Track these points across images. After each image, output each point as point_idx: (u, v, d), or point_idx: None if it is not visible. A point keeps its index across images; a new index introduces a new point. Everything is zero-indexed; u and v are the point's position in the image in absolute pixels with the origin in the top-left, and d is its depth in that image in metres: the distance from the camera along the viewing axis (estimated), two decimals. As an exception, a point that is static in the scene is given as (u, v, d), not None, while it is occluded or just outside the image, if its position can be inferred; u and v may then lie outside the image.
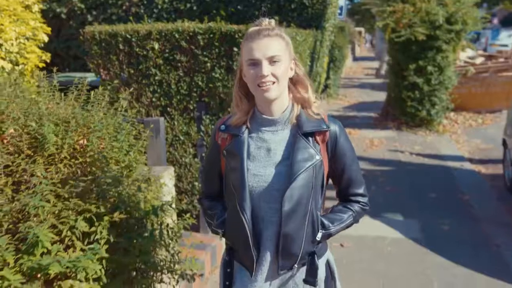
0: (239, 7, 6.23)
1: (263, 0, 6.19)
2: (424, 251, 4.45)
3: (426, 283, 3.87)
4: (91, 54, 4.26)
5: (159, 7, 6.47)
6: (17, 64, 4.85)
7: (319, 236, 1.88)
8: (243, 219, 1.81)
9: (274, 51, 1.73)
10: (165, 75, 4.14)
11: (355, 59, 29.95)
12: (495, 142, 8.28)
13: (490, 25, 33.05)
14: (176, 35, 4.04)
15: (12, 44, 4.79)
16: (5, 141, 2.49)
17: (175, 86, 4.13)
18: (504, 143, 6.50)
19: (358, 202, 1.97)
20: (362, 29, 42.78)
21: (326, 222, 1.90)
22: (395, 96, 9.64)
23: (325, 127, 1.84)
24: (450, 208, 5.50)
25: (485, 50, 23.69)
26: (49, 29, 5.25)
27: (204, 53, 4.03)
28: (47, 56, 4.97)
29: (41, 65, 4.95)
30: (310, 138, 1.84)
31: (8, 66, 4.68)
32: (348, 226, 1.96)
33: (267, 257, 1.87)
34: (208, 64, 4.03)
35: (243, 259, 1.91)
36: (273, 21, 1.83)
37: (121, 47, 4.16)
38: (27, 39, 5.00)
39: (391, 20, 8.91)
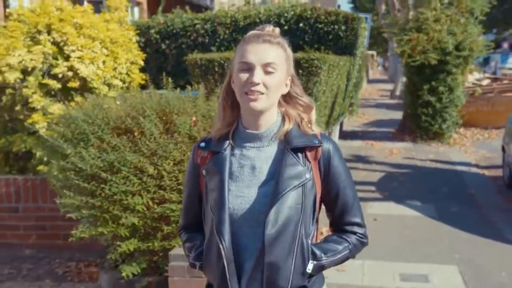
0: (286, 37, 7.88)
1: (306, 32, 7.83)
2: (438, 223, 5.98)
3: (440, 241, 5.41)
4: (193, 74, 5.90)
5: (221, 37, 8.13)
6: (124, 82, 6.50)
7: (309, 267, 1.65)
8: (220, 245, 1.60)
9: (271, 58, 1.58)
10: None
11: (369, 81, 31.61)
12: (498, 152, 9.77)
13: (500, 49, 34.76)
14: (257, 61, 5.69)
15: (122, 67, 6.46)
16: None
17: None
18: (503, 149, 8.05)
19: (354, 233, 1.74)
20: (374, 53, 44.57)
21: (318, 252, 1.68)
22: (411, 113, 11.25)
23: (316, 142, 1.67)
24: (459, 198, 7.03)
25: (494, 73, 25.24)
26: (144, 55, 6.95)
27: (278, 74, 5.67)
28: (145, 77, 6.64)
29: (143, 82, 6.61)
30: (300, 155, 1.66)
31: (120, 84, 6.34)
32: (343, 260, 1.73)
33: None
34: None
35: None
36: (277, 30, 1.71)
37: (216, 69, 5.80)
38: (131, 63, 6.68)
39: (407, 47, 10.55)
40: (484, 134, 11.96)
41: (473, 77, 12.95)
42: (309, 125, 1.70)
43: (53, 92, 5.87)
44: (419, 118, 10.99)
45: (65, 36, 5.98)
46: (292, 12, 7.81)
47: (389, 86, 26.18)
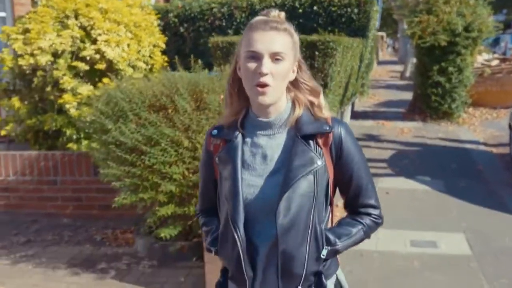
0: (300, 20, 8.18)
1: (320, 14, 8.12)
2: (446, 197, 6.33)
3: (448, 212, 5.76)
4: (215, 56, 6.23)
5: (238, 20, 8.45)
6: (148, 64, 6.86)
7: (324, 253, 1.67)
8: (235, 234, 1.63)
9: (279, 47, 1.56)
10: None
11: (379, 63, 31.73)
12: (506, 131, 10.04)
13: (510, 30, 34.70)
14: (275, 43, 6.02)
15: (145, 50, 6.81)
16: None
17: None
18: (510, 127, 8.35)
19: (369, 214, 1.75)
20: (384, 34, 44.57)
21: (331, 237, 1.69)
22: (421, 93, 11.54)
23: (327, 128, 1.66)
24: (467, 174, 7.37)
25: (504, 54, 25.34)
26: (165, 39, 7.29)
27: (295, 55, 6.01)
28: (167, 59, 6.98)
29: (165, 64, 6.96)
30: (311, 142, 1.65)
31: (143, 66, 6.69)
32: (357, 242, 1.76)
33: (266, 278, 1.67)
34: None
35: (237, 281, 1.71)
36: (282, 14, 1.66)
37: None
38: (154, 46, 7.03)
39: (418, 29, 10.80)
40: (492, 113, 12.24)
41: (482, 57, 13.19)
42: (320, 109, 1.68)
43: (81, 74, 6.24)
44: (429, 98, 11.28)
45: (92, 21, 6.33)
46: (306, -4, 8.10)
47: (399, 68, 26.36)
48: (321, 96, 1.70)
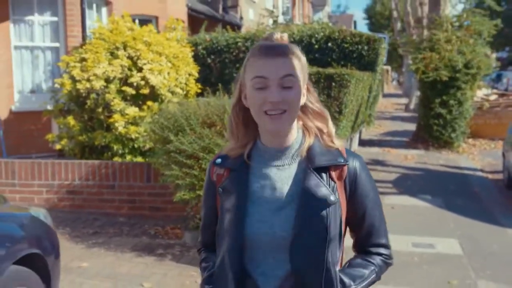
0: (316, 55, 9.30)
1: (333, 50, 9.24)
2: (445, 212, 7.30)
3: (445, 223, 6.74)
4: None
5: (260, 53, 9.57)
6: (184, 90, 7.93)
7: None
8: (228, 273, 1.53)
9: (289, 72, 1.47)
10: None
11: (384, 95, 32.94)
12: (502, 160, 11.11)
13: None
14: (298, 75, 7.12)
15: (182, 78, 7.91)
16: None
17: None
18: (503, 155, 9.38)
19: (380, 254, 1.66)
20: (389, 68, 45.98)
21: (346, 280, 1.58)
22: (424, 123, 12.61)
23: (342, 160, 1.56)
24: (464, 194, 8.35)
25: (506, 90, 26.48)
26: (198, 68, 8.40)
27: (314, 85, 7.07)
28: (200, 86, 8.06)
29: (198, 91, 8.05)
30: (324, 174, 1.55)
31: (180, 91, 7.77)
32: (370, 285, 1.64)
33: None
34: (316, 92, 7.07)
35: None
36: (285, 35, 1.58)
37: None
38: (189, 75, 8.12)
39: (421, 64, 11.94)
40: (490, 144, 13.26)
41: (481, 92, 14.33)
42: (330, 138, 1.59)
43: (128, 98, 7.32)
44: (431, 128, 12.35)
45: (138, 52, 7.46)
46: (322, 33, 9.24)
47: (403, 100, 27.54)
48: (330, 122, 1.62)
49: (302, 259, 1.50)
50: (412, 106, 21.40)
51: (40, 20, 8.61)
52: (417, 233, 6.27)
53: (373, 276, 1.64)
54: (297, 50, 1.55)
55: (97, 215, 6.10)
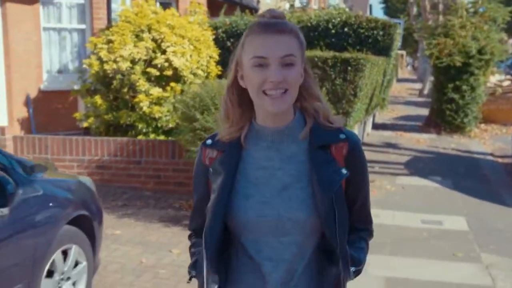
0: (333, 39, 9.59)
1: (349, 35, 9.52)
2: (453, 192, 7.64)
3: (453, 202, 7.08)
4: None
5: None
6: (205, 72, 8.29)
7: (351, 276, 1.57)
8: (204, 254, 1.51)
9: (289, 51, 1.43)
10: (306, 81, 7.54)
11: (398, 80, 33.04)
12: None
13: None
14: (315, 59, 7.45)
15: (204, 61, 8.25)
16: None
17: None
18: (513, 139, 9.68)
19: (367, 230, 1.70)
20: (404, 52, 45.89)
21: (356, 255, 1.58)
22: (437, 108, 12.89)
23: (343, 136, 1.54)
24: (473, 176, 8.68)
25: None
26: (218, 51, 8.73)
27: (331, 69, 7.42)
28: (221, 69, 8.41)
29: (219, 73, 8.40)
30: (327, 151, 1.52)
31: (202, 73, 8.13)
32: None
33: None
34: (333, 76, 7.42)
35: None
36: (283, 13, 1.51)
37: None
38: (210, 57, 8.47)
39: (435, 50, 12.18)
40: (502, 129, 13.52)
41: (494, 78, 14.54)
42: (326, 117, 1.55)
43: (152, 79, 7.69)
44: (444, 113, 12.63)
45: (162, 35, 7.81)
46: (338, 19, 9.53)
47: (418, 86, 27.68)
48: (323, 100, 1.59)
49: (337, 234, 1.47)
50: (426, 92, 21.59)
51: (68, 3, 8.99)
52: (426, 211, 6.62)
53: (366, 250, 1.67)
54: (296, 28, 1.50)
55: (125, 189, 6.52)
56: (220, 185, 1.50)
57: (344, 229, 1.52)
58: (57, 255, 3.27)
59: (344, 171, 1.51)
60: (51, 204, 3.22)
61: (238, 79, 1.51)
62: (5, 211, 2.71)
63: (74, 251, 3.44)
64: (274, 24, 1.46)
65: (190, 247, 1.72)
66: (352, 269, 1.57)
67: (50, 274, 3.24)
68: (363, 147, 1.64)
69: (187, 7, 9.57)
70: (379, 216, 6.09)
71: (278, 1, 15.94)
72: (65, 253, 3.38)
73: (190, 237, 1.76)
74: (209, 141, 1.59)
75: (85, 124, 7.98)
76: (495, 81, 14.64)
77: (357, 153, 1.57)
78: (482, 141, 12.28)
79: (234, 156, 1.53)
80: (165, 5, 9.49)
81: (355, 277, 1.61)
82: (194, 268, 1.64)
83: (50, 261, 3.20)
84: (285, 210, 1.48)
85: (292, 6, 14.06)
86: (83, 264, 3.56)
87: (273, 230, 1.49)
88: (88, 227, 3.58)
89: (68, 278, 3.43)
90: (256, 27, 1.46)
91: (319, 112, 1.56)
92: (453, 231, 5.91)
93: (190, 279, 1.68)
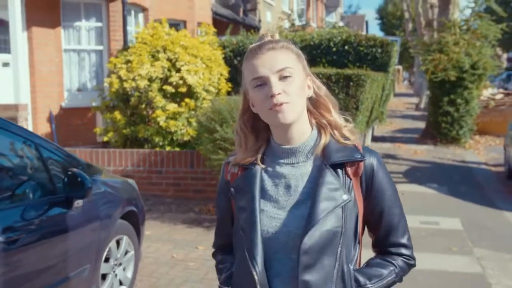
0: (334, 57, 10.32)
1: (350, 53, 10.25)
2: (449, 197, 8.30)
3: (449, 206, 7.74)
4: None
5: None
6: (216, 89, 8.97)
7: None
8: (253, 271, 1.50)
9: (283, 64, 1.49)
10: (311, 96, 8.23)
11: (395, 95, 33.87)
12: (506, 154, 12.09)
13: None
14: (320, 75, 8.14)
15: (215, 78, 8.95)
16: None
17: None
18: (504, 148, 10.37)
19: (400, 255, 1.63)
20: (400, 67, 46.83)
21: (361, 279, 1.56)
22: (433, 121, 13.62)
23: (358, 156, 1.55)
24: (467, 183, 9.35)
25: (515, 89, 27.29)
26: (228, 69, 9.44)
27: (334, 84, 8.12)
28: (231, 85, 9.10)
29: (229, 90, 9.09)
30: (340, 171, 1.55)
31: (213, 90, 8.81)
32: (389, 286, 1.61)
33: None
34: (336, 90, 8.12)
35: None
36: (277, 35, 1.60)
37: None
38: (220, 75, 9.16)
39: (431, 65, 12.93)
40: (496, 140, 14.23)
41: (488, 92, 15.33)
42: (340, 131, 1.59)
43: (168, 95, 8.38)
44: (439, 125, 13.35)
45: (176, 55, 8.52)
46: (339, 37, 10.27)
47: (415, 100, 28.48)
48: (333, 112, 1.61)
49: (312, 256, 1.48)
50: (422, 105, 22.36)
51: (87, 26, 9.71)
52: (424, 213, 7.28)
53: (392, 276, 1.61)
54: (287, 43, 1.56)
55: (147, 196, 7.16)
56: (250, 203, 1.55)
57: (347, 248, 1.54)
58: (112, 244, 3.92)
59: (345, 197, 1.52)
60: (110, 200, 3.88)
61: (250, 106, 1.58)
62: (81, 202, 3.36)
63: (125, 241, 4.09)
64: (263, 44, 1.54)
65: (218, 264, 1.76)
66: None
67: (106, 259, 3.88)
68: None
69: (199, 27, 10.29)
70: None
71: (278, 20, 16.73)
72: (118, 243, 4.02)
73: (215, 254, 1.81)
74: (231, 158, 1.67)
75: (105, 138, 8.64)
76: (489, 95, 15.40)
77: (374, 173, 1.59)
78: (476, 151, 12.98)
79: (256, 173, 1.58)
80: (172, 25, 10.20)
81: None
82: (228, 284, 1.66)
83: (108, 248, 3.85)
84: (296, 228, 1.51)
85: (293, 25, 14.88)
86: (131, 253, 4.21)
87: (283, 246, 1.53)
88: (135, 222, 4.23)
89: (120, 264, 4.08)
90: (249, 53, 1.55)
91: (332, 125, 1.59)
92: (449, 230, 6.57)
93: None
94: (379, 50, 10.09)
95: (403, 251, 1.66)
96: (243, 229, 1.55)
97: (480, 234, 6.39)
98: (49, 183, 3.30)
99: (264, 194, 1.57)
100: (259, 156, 1.60)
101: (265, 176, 1.59)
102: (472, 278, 5.02)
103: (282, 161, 1.59)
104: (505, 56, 27.97)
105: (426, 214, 7.26)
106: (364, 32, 33.35)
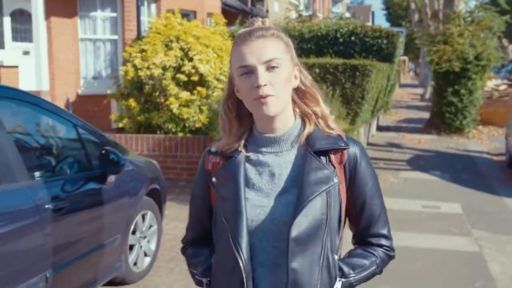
0: (341, 47, 10.65)
1: (356, 44, 10.58)
2: (451, 184, 8.66)
3: (450, 192, 8.10)
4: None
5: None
6: (226, 78, 9.31)
7: (338, 286, 1.55)
8: (239, 259, 1.48)
9: (271, 54, 1.47)
10: (320, 86, 8.56)
11: (401, 85, 34.14)
12: (508, 144, 12.42)
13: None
14: (327, 65, 8.49)
15: (226, 67, 9.27)
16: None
17: (326, 91, 8.54)
18: (506, 138, 10.71)
19: (381, 246, 1.65)
20: (406, 58, 46.98)
21: (345, 268, 1.58)
22: (437, 111, 13.95)
23: (342, 144, 1.56)
24: (469, 171, 9.70)
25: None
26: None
27: (341, 74, 8.47)
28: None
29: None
30: (324, 158, 1.55)
31: (224, 79, 9.12)
32: (369, 277, 1.63)
33: None
34: (343, 80, 8.46)
35: None
36: (267, 20, 1.57)
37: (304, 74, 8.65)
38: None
39: (435, 56, 13.25)
40: (499, 131, 14.54)
41: (492, 83, 15.64)
42: (325, 120, 1.60)
43: (181, 83, 8.74)
44: (443, 115, 13.69)
45: (189, 44, 8.87)
46: (346, 28, 10.61)
47: (419, 91, 28.77)
48: (322, 104, 1.61)
49: (300, 243, 1.48)
50: (427, 96, 22.66)
51: (102, 16, 10.08)
52: (426, 198, 7.66)
53: (374, 267, 1.63)
54: (278, 31, 1.54)
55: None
56: (234, 193, 1.53)
57: (332, 236, 1.54)
58: (138, 218, 4.30)
59: (336, 179, 1.53)
60: (136, 178, 4.26)
61: (235, 92, 1.56)
62: (113, 178, 3.74)
63: (149, 216, 4.47)
64: (253, 31, 1.51)
65: (191, 258, 1.73)
66: (340, 280, 1.57)
67: (133, 232, 4.27)
68: (369, 147, 1.81)
69: (209, 18, 10.61)
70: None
71: (285, 11, 17.03)
72: (143, 217, 4.41)
73: (185, 249, 1.79)
74: (213, 149, 1.64)
75: (120, 125, 9.02)
76: (492, 86, 15.71)
77: (357, 162, 1.60)
78: (479, 141, 13.32)
79: (240, 162, 1.57)
80: (182, 16, 10.55)
81: None
82: (208, 275, 1.64)
83: (134, 222, 4.23)
84: (280, 215, 1.51)
85: (300, 16, 15.19)
86: (155, 227, 4.60)
87: (267, 235, 1.52)
88: (158, 199, 4.62)
89: (145, 237, 4.47)
90: (238, 39, 1.52)
91: (318, 115, 1.60)
92: (449, 214, 6.94)
93: (207, 286, 1.65)
94: (385, 41, 10.42)
95: (383, 242, 1.67)
96: (226, 218, 1.54)
97: (479, 218, 6.75)
98: (86, 160, 3.68)
99: (247, 183, 1.57)
100: (242, 142, 1.60)
101: (248, 165, 1.59)
102: (470, 256, 5.40)
103: (264, 149, 1.59)
104: (511, 47, 28.15)
105: (428, 199, 7.63)
106: (370, 23, 33.59)
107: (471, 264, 5.16)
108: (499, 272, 4.97)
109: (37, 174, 3.22)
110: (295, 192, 1.51)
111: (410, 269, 4.95)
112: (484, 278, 4.80)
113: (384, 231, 1.67)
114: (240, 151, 1.58)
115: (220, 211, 1.56)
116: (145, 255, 4.50)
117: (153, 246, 4.59)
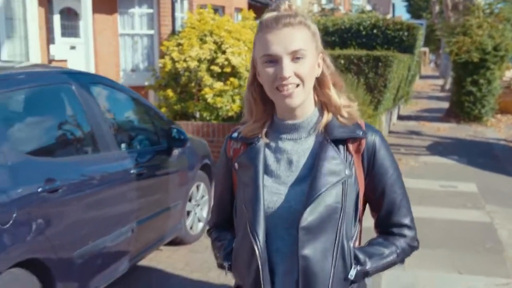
0: (363, 40, 11.33)
1: (378, 36, 11.26)
2: (468, 167, 9.32)
3: (467, 173, 8.77)
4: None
5: (315, 39, 11.70)
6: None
7: (352, 273, 1.54)
8: (255, 246, 1.52)
9: (298, 45, 1.45)
10: (346, 75, 9.27)
11: (421, 77, 34.57)
12: (525, 132, 13.01)
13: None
14: (352, 57, 9.20)
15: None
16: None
17: (351, 80, 9.26)
18: (522, 124, 11.33)
19: (403, 236, 1.64)
20: (426, 49, 47.20)
21: (361, 256, 1.58)
22: (456, 100, 14.57)
23: (360, 133, 1.57)
24: (485, 156, 10.33)
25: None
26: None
27: (365, 65, 9.17)
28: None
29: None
30: (341, 147, 1.56)
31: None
32: (389, 266, 1.63)
33: None
34: (366, 70, 9.16)
35: None
36: (293, 5, 1.54)
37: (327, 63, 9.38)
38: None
39: (455, 47, 13.85)
40: (517, 119, 15.16)
41: (510, 73, 16.22)
42: (340, 111, 1.59)
43: (214, 75, 9.51)
44: (462, 104, 14.31)
45: (222, 38, 9.63)
46: (368, 22, 11.29)
47: (440, 82, 29.22)
48: (336, 95, 1.60)
49: (312, 232, 1.49)
50: (447, 87, 23.15)
51: (139, 12, 10.89)
52: (444, 179, 8.35)
53: (393, 256, 1.62)
54: (304, 18, 1.52)
55: (202, 162, 8.37)
56: (253, 179, 1.56)
57: (347, 224, 1.55)
58: (193, 188, 5.09)
59: (347, 172, 1.54)
60: (193, 153, 5.05)
61: (257, 76, 1.56)
62: (177, 152, 4.54)
63: (202, 187, 5.27)
64: (280, 17, 1.47)
65: (215, 241, 1.79)
66: (355, 268, 1.56)
67: (189, 200, 5.07)
68: (390, 135, 1.97)
69: (239, 13, 11.36)
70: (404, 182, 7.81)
71: (308, 4, 17.71)
72: (197, 188, 5.19)
73: (210, 232, 1.85)
74: (235, 134, 1.68)
75: (158, 113, 9.83)
76: (511, 76, 16.26)
77: (376, 150, 1.60)
78: (497, 129, 13.91)
79: (260, 148, 1.59)
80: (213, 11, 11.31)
81: (362, 278, 1.60)
82: (229, 260, 1.68)
83: (191, 190, 5.02)
84: (296, 203, 1.52)
85: (323, 9, 15.90)
86: (206, 197, 5.39)
87: (283, 222, 1.54)
88: (208, 172, 5.40)
89: (198, 205, 5.26)
90: (264, 26, 1.49)
91: (336, 105, 1.59)
92: (465, 192, 7.63)
93: (228, 269, 1.69)
94: (406, 33, 11.08)
95: (406, 232, 1.66)
96: (246, 204, 1.56)
97: (493, 196, 7.43)
98: (155, 136, 4.48)
99: (266, 170, 1.58)
100: (265, 130, 1.61)
101: (268, 151, 1.60)
102: (481, 225, 6.11)
103: (284, 136, 1.60)
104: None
105: (446, 179, 8.32)
106: (390, 14, 33.97)
107: (482, 231, 5.87)
108: (507, 237, 5.68)
109: (122, 146, 4.02)
110: (309, 182, 1.53)
111: (428, 234, 5.68)
112: (493, 242, 5.52)
113: (406, 221, 1.66)
114: (261, 138, 1.61)
115: (241, 198, 1.61)
116: (199, 220, 5.28)
117: (205, 213, 5.38)
